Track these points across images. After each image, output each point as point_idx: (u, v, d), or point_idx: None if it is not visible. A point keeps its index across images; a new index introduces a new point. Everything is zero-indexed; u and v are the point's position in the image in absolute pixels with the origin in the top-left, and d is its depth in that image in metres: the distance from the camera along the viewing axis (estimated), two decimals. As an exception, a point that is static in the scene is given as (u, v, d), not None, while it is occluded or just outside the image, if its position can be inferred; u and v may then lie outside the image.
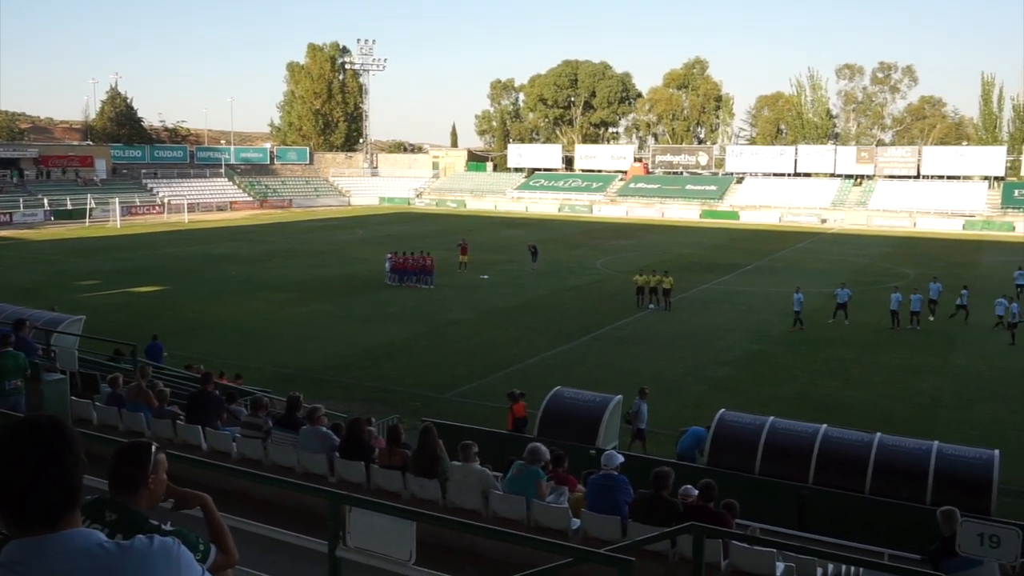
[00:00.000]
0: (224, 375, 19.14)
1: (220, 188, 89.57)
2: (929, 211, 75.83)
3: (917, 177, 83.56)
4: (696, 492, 8.69)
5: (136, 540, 2.04)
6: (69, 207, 71.41)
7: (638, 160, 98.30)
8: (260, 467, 9.94)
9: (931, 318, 31.42)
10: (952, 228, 72.25)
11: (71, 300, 31.03)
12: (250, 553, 5.17)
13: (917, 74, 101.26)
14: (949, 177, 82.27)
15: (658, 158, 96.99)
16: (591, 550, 4.90)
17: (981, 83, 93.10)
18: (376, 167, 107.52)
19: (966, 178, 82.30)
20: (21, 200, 70.57)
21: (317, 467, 9.83)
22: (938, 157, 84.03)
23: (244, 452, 10.46)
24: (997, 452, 12.82)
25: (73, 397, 12.42)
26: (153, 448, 3.29)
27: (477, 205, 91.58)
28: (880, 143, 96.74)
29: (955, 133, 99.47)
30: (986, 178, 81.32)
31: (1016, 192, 76.67)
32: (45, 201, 71.53)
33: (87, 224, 67.76)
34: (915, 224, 74.33)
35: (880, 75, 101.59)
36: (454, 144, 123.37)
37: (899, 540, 11.16)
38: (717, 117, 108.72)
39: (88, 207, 70.38)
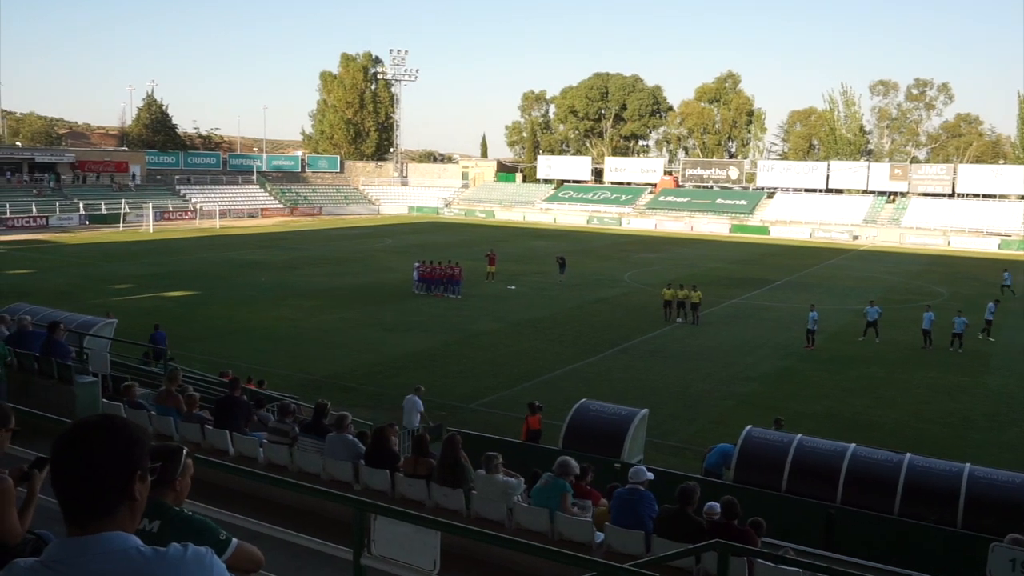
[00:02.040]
0: (252, 380, 19.33)
1: (252, 195, 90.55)
2: (964, 229, 74.76)
3: (952, 195, 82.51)
4: (719, 509, 8.62)
5: (171, 548, 2.08)
6: (104, 211, 72.53)
7: (668, 173, 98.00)
8: (286, 473, 9.99)
9: (991, 339, 31.41)
10: (987, 247, 71.18)
11: (104, 303, 31.48)
12: (275, 559, 5.20)
13: (953, 91, 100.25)
14: (985, 196, 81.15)
15: (688, 172, 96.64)
16: (615, 564, 4.88)
17: (1018, 101, 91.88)
18: (406, 176, 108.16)
19: (1002, 197, 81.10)
20: (57, 204, 71.78)
21: (343, 474, 9.87)
22: (973, 175, 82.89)
23: (271, 458, 10.53)
24: (1030, 476, 12.59)
25: (104, 399, 12.59)
26: (184, 452, 3.37)
27: (506, 216, 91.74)
28: (914, 160, 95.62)
29: (992, 151, 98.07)
30: (1022, 197, 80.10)
31: (1053, 211, 75.43)
32: (81, 205, 72.71)
33: (121, 228, 68.77)
34: (949, 242, 73.30)
35: (915, 92, 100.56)
36: (484, 155, 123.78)
37: (928, 564, 10.98)
38: (749, 131, 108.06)
39: (122, 212, 71.49)
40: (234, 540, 3.17)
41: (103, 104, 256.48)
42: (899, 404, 23.06)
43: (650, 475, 9.07)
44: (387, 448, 10.00)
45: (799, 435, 14.23)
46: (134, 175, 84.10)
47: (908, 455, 13.41)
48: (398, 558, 4.53)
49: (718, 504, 8.71)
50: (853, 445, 13.82)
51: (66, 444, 2.07)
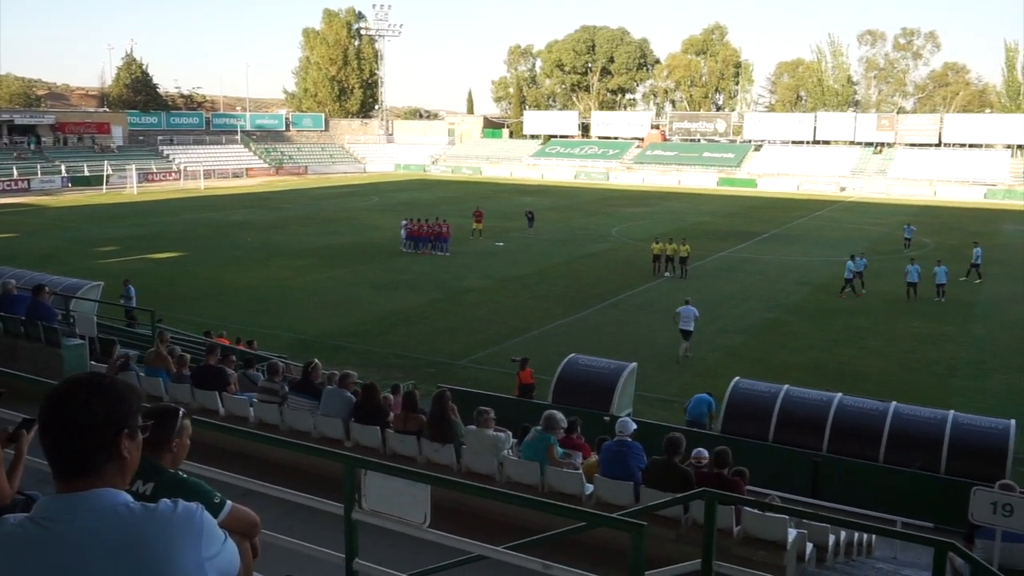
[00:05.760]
0: (240, 341, 19.32)
1: (236, 155, 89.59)
2: (950, 180, 74.83)
3: (938, 145, 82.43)
4: (706, 454, 8.71)
5: (161, 504, 2.07)
6: (86, 174, 71.59)
7: (655, 127, 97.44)
8: (277, 431, 10.04)
9: (978, 280, 32.86)
10: (973, 197, 71.35)
11: (89, 266, 31.29)
12: (268, 515, 5.24)
13: (940, 40, 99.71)
14: (971, 145, 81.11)
15: (675, 125, 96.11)
16: (604, 515, 4.94)
17: (1005, 50, 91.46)
18: (392, 134, 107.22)
19: (988, 146, 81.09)
20: (39, 167, 70.82)
21: (333, 432, 9.93)
22: (960, 125, 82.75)
23: (261, 417, 10.58)
24: (1013, 422, 12.79)
25: (92, 362, 12.57)
26: (180, 413, 3.37)
27: (493, 172, 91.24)
28: (901, 110, 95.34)
29: (978, 100, 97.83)
30: (1009, 146, 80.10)
31: (1039, 160, 75.57)
32: (62, 168, 71.73)
33: (104, 191, 68.00)
34: (935, 193, 73.41)
35: (903, 41, 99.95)
36: (470, 111, 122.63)
37: (912, 509, 11.19)
38: (736, 84, 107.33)
39: (105, 174, 70.63)
40: (228, 503, 3.13)
41: (82, 64, 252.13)
42: (885, 354, 23.29)
43: (634, 425, 9.16)
44: (376, 404, 10.06)
45: (786, 385, 14.39)
46: (128, 136, 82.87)
47: (893, 404, 13.59)
48: (389, 512, 4.57)
49: (704, 450, 8.82)
50: (839, 395, 13.98)
51: (53, 401, 2.07)
